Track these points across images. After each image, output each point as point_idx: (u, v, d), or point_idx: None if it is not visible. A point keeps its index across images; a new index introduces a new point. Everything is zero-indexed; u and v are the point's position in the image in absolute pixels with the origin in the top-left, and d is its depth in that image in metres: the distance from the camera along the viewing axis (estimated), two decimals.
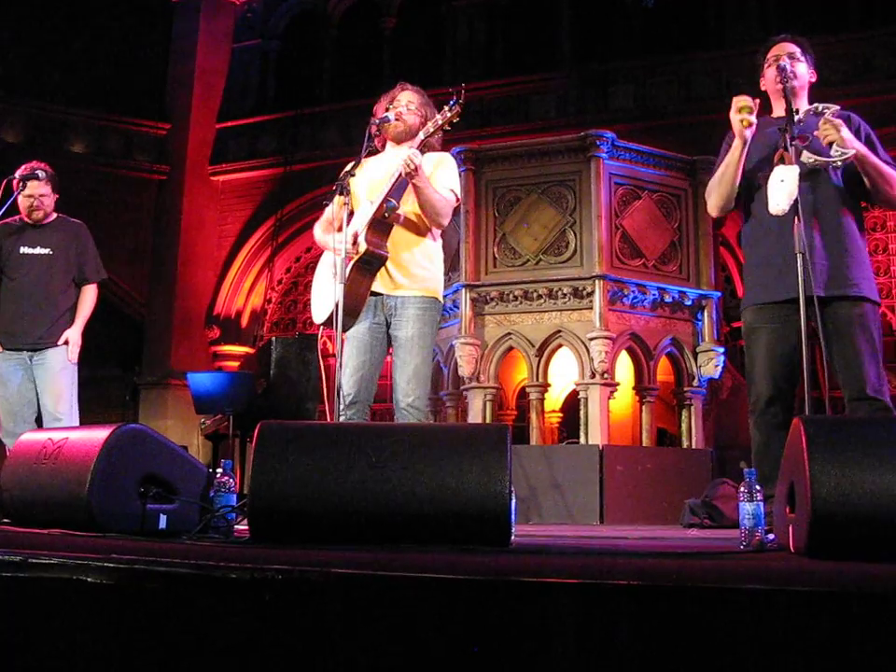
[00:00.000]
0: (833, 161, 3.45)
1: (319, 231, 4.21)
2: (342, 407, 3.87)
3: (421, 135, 3.88)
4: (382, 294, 3.94)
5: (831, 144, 3.44)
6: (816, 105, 3.64)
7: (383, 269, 3.91)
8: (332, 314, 3.81)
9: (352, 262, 3.86)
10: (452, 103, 3.82)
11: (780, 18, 11.43)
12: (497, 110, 12.89)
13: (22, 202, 5.02)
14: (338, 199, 3.91)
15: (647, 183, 8.48)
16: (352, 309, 3.88)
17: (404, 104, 4.10)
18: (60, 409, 4.93)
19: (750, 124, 3.53)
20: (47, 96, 13.96)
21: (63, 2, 14.18)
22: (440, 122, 3.87)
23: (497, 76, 13.20)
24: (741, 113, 3.53)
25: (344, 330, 3.86)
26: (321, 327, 4.10)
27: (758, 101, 3.59)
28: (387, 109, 4.10)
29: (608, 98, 12.50)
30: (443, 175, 4.01)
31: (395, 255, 3.93)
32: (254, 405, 7.60)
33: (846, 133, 3.44)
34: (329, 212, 4.08)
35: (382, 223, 3.90)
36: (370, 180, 4.07)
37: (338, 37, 14.66)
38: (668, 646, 1.49)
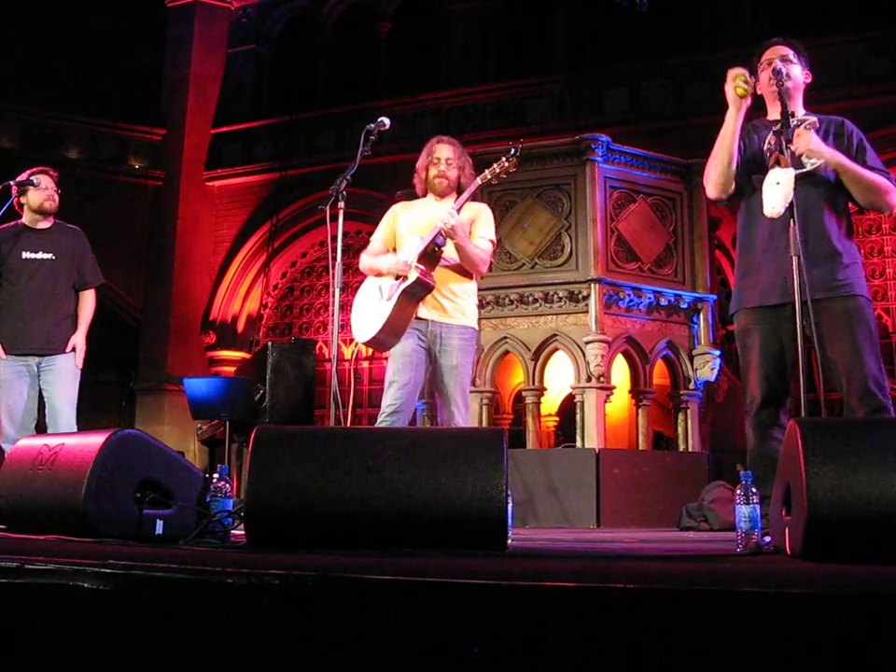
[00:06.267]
0: (804, 171, 3.47)
1: (367, 259, 4.48)
2: (385, 415, 4.19)
3: (479, 181, 4.27)
4: (428, 320, 4.25)
5: (801, 155, 3.46)
6: (799, 117, 3.66)
7: (432, 299, 4.24)
8: (376, 335, 4.21)
9: (401, 288, 4.15)
10: (511, 154, 4.18)
11: (774, 21, 11.45)
12: (491, 114, 12.90)
13: (35, 196, 5.07)
14: (387, 229, 4.43)
15: (642, 186, 8.48)
16: (396, 331, 4.23)
17: (444, 159, 4.42)
18: (71, 414, 4.98)
19: (746, 92, 3.53)
20: (41, 102, 13.95)
21: (57, 8, 14.19)
22: (497, 171, 4.23)
23: (491, 80, 13.21)
24: (735, 81, 3.54)
25: (387, 349, 4.33)
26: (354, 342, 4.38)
27: (753, 78, 3.60)
28: (428, 165, 4.43)
29: (602, 101, 12.51)
30: (481, 227, 4.41)
31: (443, 287, 4.26)
32: (250, 410, 7.60)
33: (814, 144, 3.46)
34: (377, 244, 4.47)
35: (431, 255, 4.21)
36: (412, 223, 4.39)
37: (333, 42, 14.66)
38: (665, 649, 1.49)
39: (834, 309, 3.45)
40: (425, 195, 4.52)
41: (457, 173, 4.43)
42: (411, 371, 4.23)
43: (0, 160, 12.66)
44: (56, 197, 5.14)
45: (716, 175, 3.65)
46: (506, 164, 4.18)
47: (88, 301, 5.17)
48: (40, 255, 5.05)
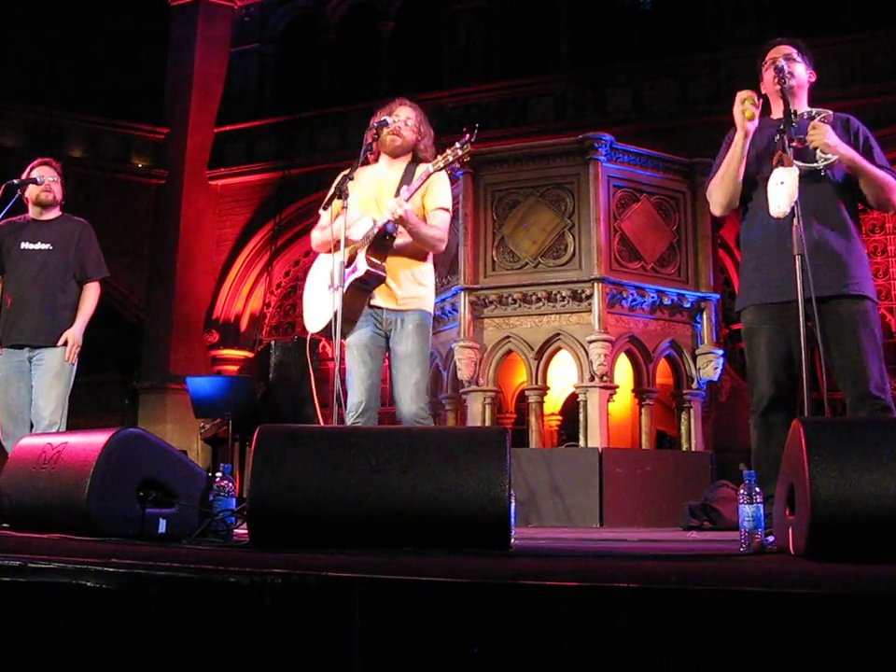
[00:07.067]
0: (817, 167, 3.47)
1: (318, 235, 4.30)
2: (353, 415, 4.02)
3: (430, 168, 3.99)
4: (382, 308, 4.09)
5: (816, 149, 3.45)
6: (810, 109, 3.66)
7: (386, 287, 4.06)
8: (330, 323, 3.96)
9: (349, 280, 3.97)
10: (463, 141, 3.94)
11: (778, 20, 11.44)
12: (494, 113, 12.91)
13: (33, 189, 5.03)
14: (336, 202, 4.02)
15: (645, 185, 8.46)
16: (348, 319, 4.01)
17: (403, 119, 4.20)
18: (51, 412, 4.82)
19: (753, 115, 3.52)
20: (45, 101, 13.97)
21: (61, 7, 14.20)
22: (450, 159, 3.98)
23: (494, 79, 13.22)
24: (743, 104, 3.54)
25: (343, 338, 4.05)
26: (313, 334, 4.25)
27: (761, 100, 3.59)
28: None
29: (605, 100, 12.52)
30: (434, 196, 4.14)
31: (395, 273, 4.08)
32: (253, 409, 7.60)
33: (830, 138, 3.45)
34: (325, 218, 4.18)
35: (382, 243, 4.04)
36: (361, 192, 4.17)
37: (335, 41, 14.68)
38: (668, 649, 1.49)
39: (840, 311, 3.44)
40: (377, 159, 4.31)
41: (414, 136, 4.21)
42: (368, 364, 4.09)
43: (3, 158, 12.68)
44: (53, 187, 5.06)
45: (721, 197, 3.66)
46: (459, 152, 3.96)
47: (89, 295, 5.04)
48: (38, 245, 4.98)
